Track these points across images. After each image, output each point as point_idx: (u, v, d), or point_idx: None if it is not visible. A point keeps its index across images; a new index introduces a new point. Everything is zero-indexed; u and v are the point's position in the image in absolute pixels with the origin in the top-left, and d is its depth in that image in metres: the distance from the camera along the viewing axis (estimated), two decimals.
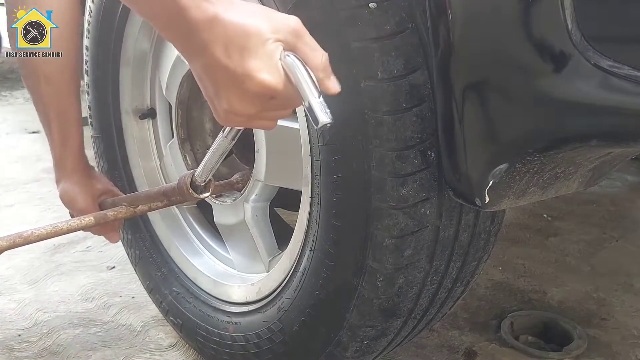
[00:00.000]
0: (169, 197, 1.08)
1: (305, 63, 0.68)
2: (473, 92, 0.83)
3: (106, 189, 1.23)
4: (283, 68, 0.67)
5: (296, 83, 0.67)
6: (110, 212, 1.14)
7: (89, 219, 1.13)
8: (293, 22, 0.70)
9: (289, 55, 0.68)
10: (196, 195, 1.02)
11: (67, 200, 1.21)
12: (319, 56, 0.69)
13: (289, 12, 0.93)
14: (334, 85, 0.71)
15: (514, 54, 0.77)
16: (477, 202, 0.87)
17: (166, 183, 1.48)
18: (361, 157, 0.90)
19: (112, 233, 1.23)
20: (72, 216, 1.20)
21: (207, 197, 1.06)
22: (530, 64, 0.76)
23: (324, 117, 0.66)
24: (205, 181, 1.02)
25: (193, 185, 1.02)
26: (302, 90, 0.67)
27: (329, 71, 0.71)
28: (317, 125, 0.66)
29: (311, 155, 0.99)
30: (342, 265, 0.99)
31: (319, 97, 0.67)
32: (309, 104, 0.66)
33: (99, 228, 1.19)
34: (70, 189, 1.20)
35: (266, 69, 0.66)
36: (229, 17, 0.66)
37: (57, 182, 1.22)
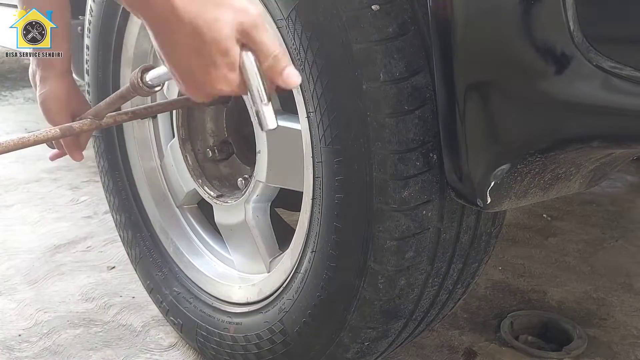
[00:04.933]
0: (125, 97, 1.08)
1: (259, 61, 0.69)
2: (475, 93, 0.83)
3: (84, 108, 1.18)
4: (239, 68, 0.69)
5: (249, 88, 0.69)
6: (76, 125, 1.11)
7: (54, 131, 1.09)
8: (254, 13, 0.69)
9: (246, 55, 0.69)
10: (147, 89, 1.03)
11: (47, 105, 1.16)
12: (273, 50, 0.69)
13: (291, 15, 0.93)
14: (290, 78, 0.70)
15: (516, 56, 0.77)
16: (478, 203, 0.87)
17: (166, 183, 1.48)
18: (363, 159, 0.90)
19: (76, 152, 1.18)
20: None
21: (159, 89, 1.04)
22: (532, 65, 0.76)
23: (271, 123, 0.70)
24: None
25: (144, 81, 1.03)
26: (252, 95, 0.69)
27: (284, 63, 0.70)
28: (263, 130, 0.71)
29: (313, 157, 0.99)
30: (343, 266, 0.99)
31: (268, 103, 0.69)
32: (257, 110, 0.69)
33: (65, 144, 1.16)
34: (53, 94, 1.15)
35: (224, 81, 0.69)
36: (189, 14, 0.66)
37: (41, 81, 1.17)
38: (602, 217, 2.20)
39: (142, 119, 1.36)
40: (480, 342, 1.49)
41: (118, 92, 1.08)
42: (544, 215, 2.20)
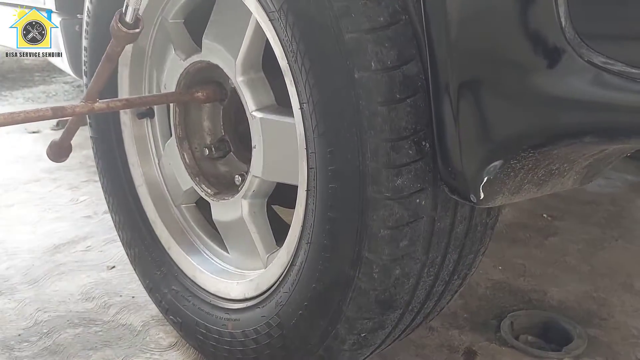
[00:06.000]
0: (110, 56, 1.08)
1: None
2: (466, 88, 0.83)
3: None
4: None
5: None
6: (68, 105, 1.10)
7: (46, 110, 1.08)
8: None
9: None
10: (125, 30, 1.03)
11: None
12: None
13: (283, 6, 0.94)
14: None
15: (508, 50, 0.78)
16: (471, 199, 0.87)
17: (165, 182, 1.49)
18: (356, 148, 0.91)
19: None
20: None
21: (139, 32, 1.07)
22: (524, 60, 0.77)
23: None
24: (133, 16, 1.06)
25: (122, 22, 1.04)
26: None
27: None
28: None
29: (306, 148, 0.99)
30: (338, 257, 0.99)
31: None
32: None
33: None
34: None
35: None
36: None
37: None
38: (602, 216, 2.20)
39: (136, 108, 1.37)
40: (480, 342, 1.49)
41: (104, 55, 1.09)
42: (544, 214, 2.20)
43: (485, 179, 0.85)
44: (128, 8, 1.04)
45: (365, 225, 0.93)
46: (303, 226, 1.05)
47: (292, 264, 1.09)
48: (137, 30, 1.06)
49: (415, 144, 0.89)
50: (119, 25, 1.04)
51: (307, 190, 1.02)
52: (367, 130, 0.88)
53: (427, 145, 0.90)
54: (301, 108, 0.97)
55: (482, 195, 0.86)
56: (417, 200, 0.92)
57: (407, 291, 1.01)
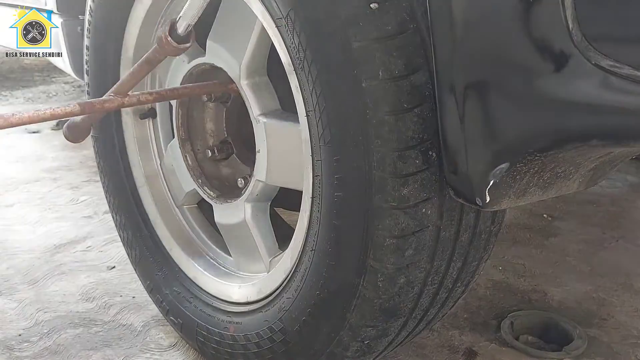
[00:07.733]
0: (152, 61, 1.00)
1: None
2: (474, 92, 0.83)
3: None
4: None
5: None
6: (97, 101, 1.06)
7: (74, 106, 1.03)
8: None
9: None
10: (175, 45, 0.93)
11: None
12: None
13: (290, 14, 0.93)
14: None
15: (515, 54, 0.78)
16: (477, 202, 0.87)
17: (166, 183, 1.49)
18: (362, 157, 0.90)
19: None
20: None
21: (188, 47, 0.96)
22: (531, 63, 0.76)
23: None
24: (186, 30, 0.95)
25: (173, 34, 0.94)
26: None
27: None
28: None
29: (312, 155, 0.99)
30: (343, 265, 0.99)
31: None
32: None
33: None
34: None
35: None
36: None
37: None
38: (602, 217, 2.21)
39: (165, 100, 1.32)
40: (480, 342, 1.49)
41: (144, 57, 1.02)
42: (545, 215, 2.20)
43: (491, 182, 0.84)
44: (181, 21, 0.94)
45: (370, 234, 0.93)
46: (307, 233, 1.05)
47: (295, 270, 1.09)
48: (187, 45, 0.97)
49: (422, 154, 0.89)
50: (169, 39, 0.95)
51: (312, 198, 1.01)
52: (374, 140, 0.88)
53: (434, 154, 0.89)
54: (307, 115, 0.97)
55: (487, 199, 0.86)
56: (423, 210, 0.92)
57: (411, 299, 1.01)
